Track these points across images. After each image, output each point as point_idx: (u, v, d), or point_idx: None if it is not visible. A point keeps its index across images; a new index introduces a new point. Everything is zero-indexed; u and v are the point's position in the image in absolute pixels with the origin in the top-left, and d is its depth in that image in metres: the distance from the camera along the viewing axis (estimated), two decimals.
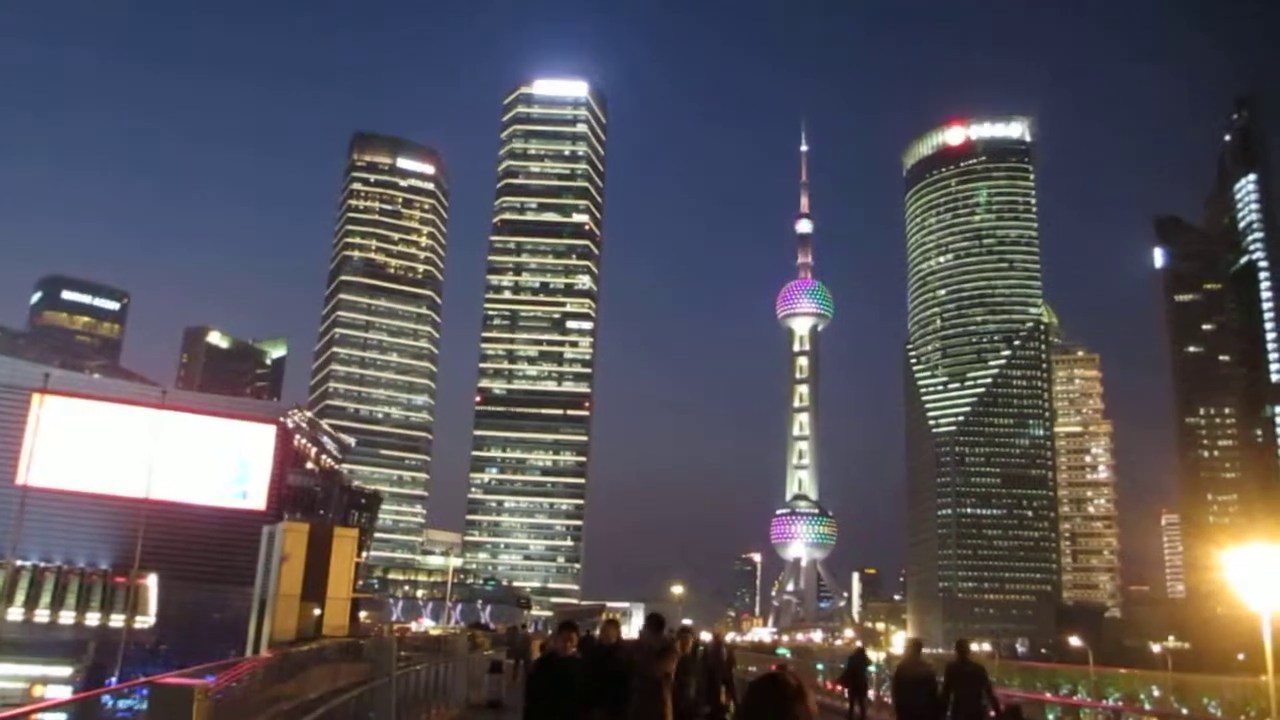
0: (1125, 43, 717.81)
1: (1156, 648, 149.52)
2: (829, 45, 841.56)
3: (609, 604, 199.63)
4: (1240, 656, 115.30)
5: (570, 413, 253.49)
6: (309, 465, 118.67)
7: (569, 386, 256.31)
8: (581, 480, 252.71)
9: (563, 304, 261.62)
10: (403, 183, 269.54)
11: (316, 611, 58.17)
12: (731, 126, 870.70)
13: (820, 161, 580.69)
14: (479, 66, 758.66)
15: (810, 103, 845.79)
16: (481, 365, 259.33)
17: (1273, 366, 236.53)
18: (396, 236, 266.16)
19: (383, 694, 18.15)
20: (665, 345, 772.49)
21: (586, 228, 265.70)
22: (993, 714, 15.67)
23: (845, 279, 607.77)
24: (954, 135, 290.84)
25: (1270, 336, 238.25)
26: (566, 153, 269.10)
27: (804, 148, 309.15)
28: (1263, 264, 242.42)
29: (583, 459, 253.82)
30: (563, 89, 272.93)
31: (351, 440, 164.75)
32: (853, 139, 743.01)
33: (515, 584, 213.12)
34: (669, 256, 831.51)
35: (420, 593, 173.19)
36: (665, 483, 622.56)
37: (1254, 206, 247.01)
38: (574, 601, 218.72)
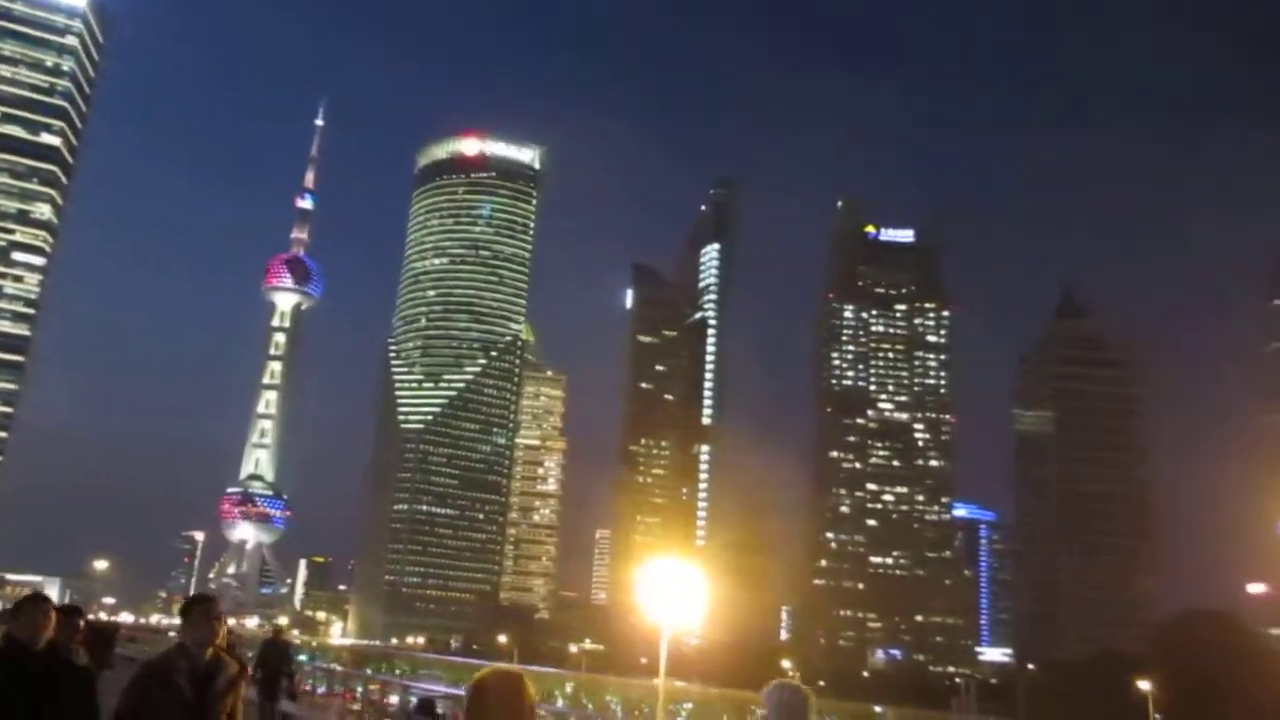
0: (628, 111, 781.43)
1: (574, 648, 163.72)
2: (361, 26, 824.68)
3: (10, 576, 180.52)
4: (643, 660, 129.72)
5: (2, 356, 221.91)
6: None
7: (6, 326, 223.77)
8: (2, 434, 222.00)
9: (12, 232, 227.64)
10: None
11: None
12: (250, 85, 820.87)
13: (338, 140, 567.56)
14: None
15: (336, 78, 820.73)
16: None
17: (706, 411, 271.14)
18: None
19: None
20: (142, 300, 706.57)
21: (58, 153, 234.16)
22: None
23: (344, 262, 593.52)
24: (469, 146, 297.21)
25: (708, 386, 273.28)
26: (49, 64, 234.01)
27: (319, 122, 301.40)
28: (712, 322, 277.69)
29: (8, 409, 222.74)
30: None
31: None
32: (375, 127, 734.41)
33: None
34: (161, 205, 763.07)
35: None
36: (111, 446, 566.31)
37: (714, 271, 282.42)
38: None
